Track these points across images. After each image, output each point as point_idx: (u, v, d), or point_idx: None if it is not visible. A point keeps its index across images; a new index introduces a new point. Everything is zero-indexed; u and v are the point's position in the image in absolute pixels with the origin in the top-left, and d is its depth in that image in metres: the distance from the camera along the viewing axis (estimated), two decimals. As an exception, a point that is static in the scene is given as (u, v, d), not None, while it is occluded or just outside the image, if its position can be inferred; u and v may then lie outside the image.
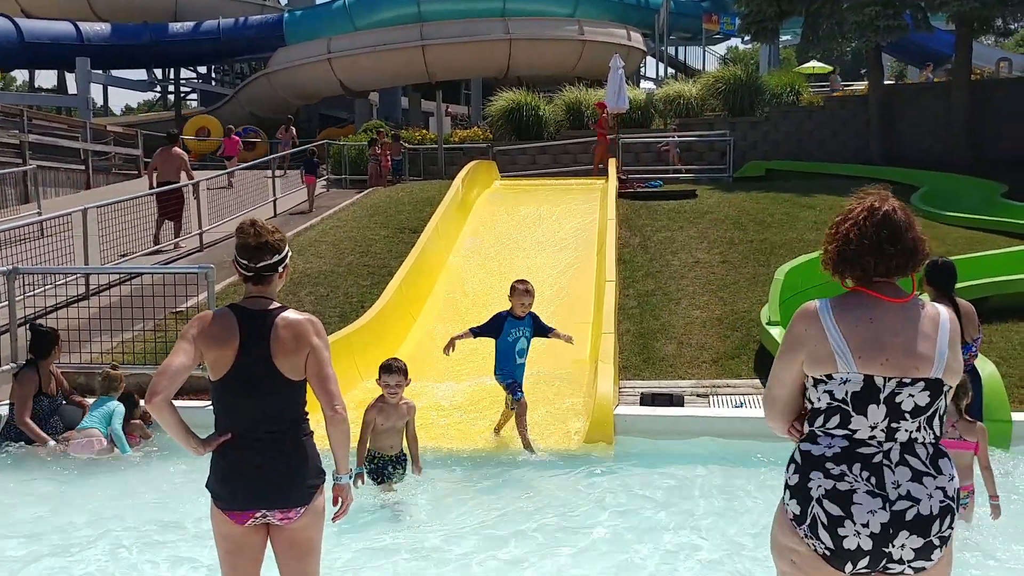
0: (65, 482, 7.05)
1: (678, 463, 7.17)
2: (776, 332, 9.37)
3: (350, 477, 3.83)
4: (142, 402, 6.94)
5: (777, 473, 6.45)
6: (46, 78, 56.60)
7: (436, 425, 8.39)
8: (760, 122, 25.16)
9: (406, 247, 13.94)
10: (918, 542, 2.79)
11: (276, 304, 3.74)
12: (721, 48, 64.98)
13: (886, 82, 28.10)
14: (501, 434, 8.06)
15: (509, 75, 32.40)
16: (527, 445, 7.55)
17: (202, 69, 45.17)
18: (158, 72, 43.35)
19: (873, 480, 2.81)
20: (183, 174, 15.71)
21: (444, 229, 14.90)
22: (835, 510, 2.81)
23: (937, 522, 2.80)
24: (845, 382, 2.85)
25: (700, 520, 6.04)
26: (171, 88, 43.81)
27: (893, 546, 2.78)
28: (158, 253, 14.66)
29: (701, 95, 25.87)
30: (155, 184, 15.62)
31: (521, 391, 7.68)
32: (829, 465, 2.86)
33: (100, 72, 36.73)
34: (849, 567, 2.82)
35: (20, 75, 31.79)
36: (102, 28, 36.10)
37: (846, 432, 2.87)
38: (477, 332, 7.88)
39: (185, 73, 43.90)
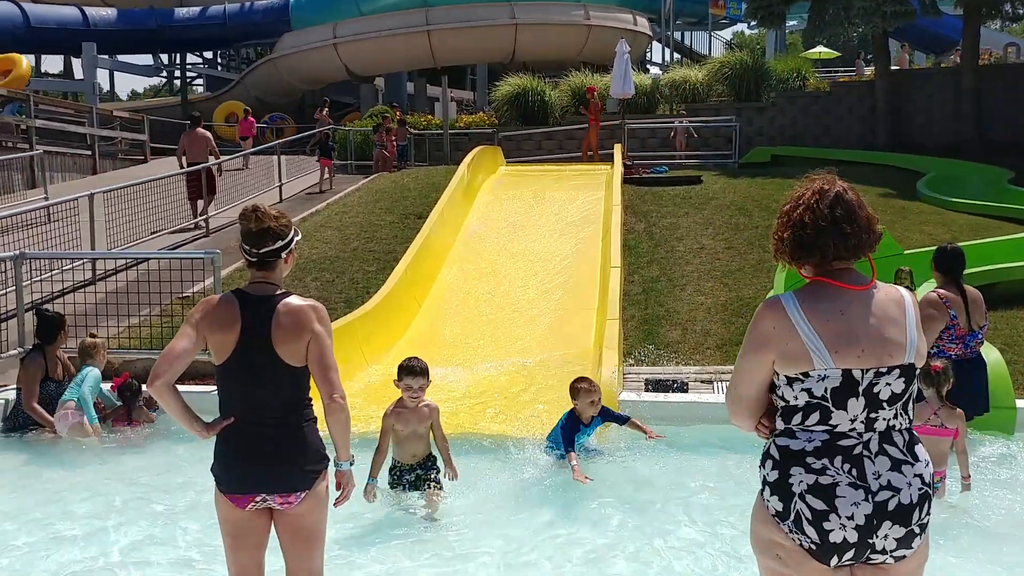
0: (72, 466, 7.10)
1: (681, 449, 7.19)
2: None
3: (351, 463, 3.82)
4: (144, 386, 7.03)
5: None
6: (52, 63, 56.45)
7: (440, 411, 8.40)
8: (766, 107, 25.10)
9: (412, 232, 13.95)
10: (900, 531, 2.79)
11: (280, 290, 3.74)
12: (727, 33, 64.78)
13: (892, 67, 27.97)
14: (505, 423, 8.09)
15: (515, 60, 32.32)
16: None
17: (208, 54, 45.16)
18: (164, 57, 43.35)
19: (854, 472, 2.79)
20: (210, 155, 16.52)
21: (450, 215, 14.91)
22: (819, 504, 2.78)
23: (917, 510, 2.80)
24: (823, 379, 2.80)
25: (702, 505, 6.06)
26: (177, 73, 43.77)
27: (877, 537, 2.77)
28: (184, 232, 15.04)
29: (707, 80, 25.80)
30: (185, 166, 16.24)
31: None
32: (810, 459, 2.82)
33: (106, 57, 36.72)
34: (835, 560, 2.81)
35: (26, 60, 31.80)
36: (108, 13, 36.07)
37: (827, 427, 2.83)
38: (570, 447, 6.57)
39: (191, 58, 43.87)
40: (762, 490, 2.95)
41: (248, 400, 3.66)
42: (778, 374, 2.90)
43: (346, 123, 27.69)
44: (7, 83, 26.19)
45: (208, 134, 17.17)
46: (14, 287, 9.56)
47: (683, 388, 8.63)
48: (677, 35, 45.45)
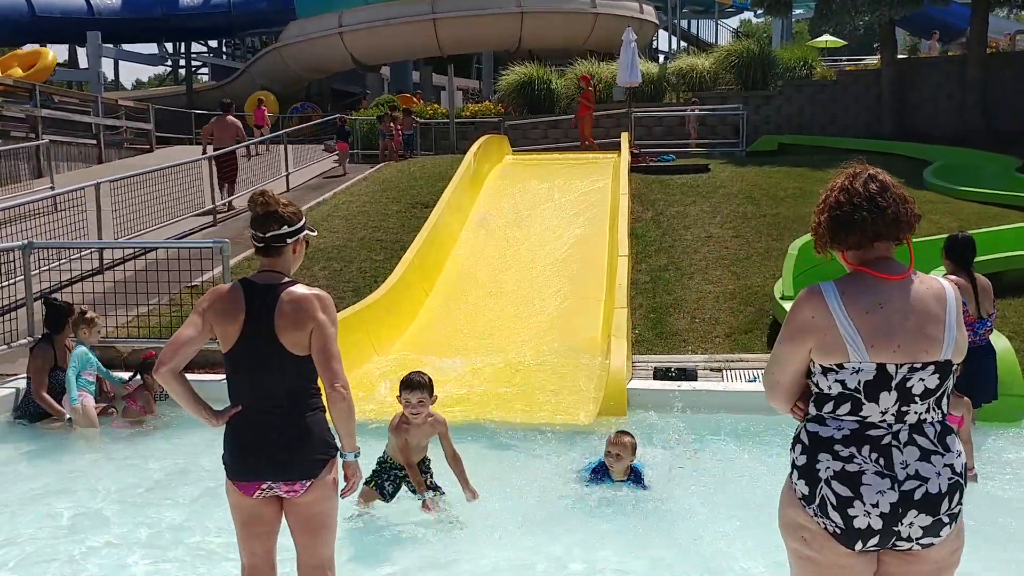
0: (80, 454, 7.13)
1: (691, 437, 7.19)
2: (789, 307, 9.34)
3: (357, 455, 3.79)
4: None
5: (787, 449, 6.50)
6: (57, 52, 56.33)
7: (446, 399, 8.41)
8: (773, 96, 25.01)
9: (419, 222, 13.95)
10: (927, 520, 2.80)
11: (286, 279, 3.74)
12: (734, 21, 64.50)
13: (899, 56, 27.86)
14: (514, 411, 8.10)
15: (521, 49, 32.21)
16: None
17: (213, 43, 45.10)
18: (169, 46, 43.31)
19: (881, 461, 2.81)
20: (238, 140, 17.04)
21: (456, 204, 14.90)
22: (844, 491, 2.81)
23: (946, 500, 2.80)
24: (857, 371, 2.82)
25: (711, 492, 6.07)
26: (182, 62, 43.75)
27: (902, 524, 2.79)
28: (208, 214, 15.41)
29: (714, 69, 25.71)
30: (212, 151, 16.63)
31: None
32: (838, 447, 2.85)
33: (111, 46, 36.70)
34: (859, 545, 2.83)
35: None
36: (113, 2, 36.07)
37: (857, 418, 2.85)
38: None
39: (196, 47, 43.83)
40: (791, 473, 2.99)
41: (254, 388, 3.67)
42: (814, 362, 2.92)
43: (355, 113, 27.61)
44: (31, 75, 26.34)
45: (238, 121, 17.48)
46: (22, 276, 9.58)
47: (692, 376, 8.63)
48: (684, 23, 45.34)
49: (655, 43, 43.36)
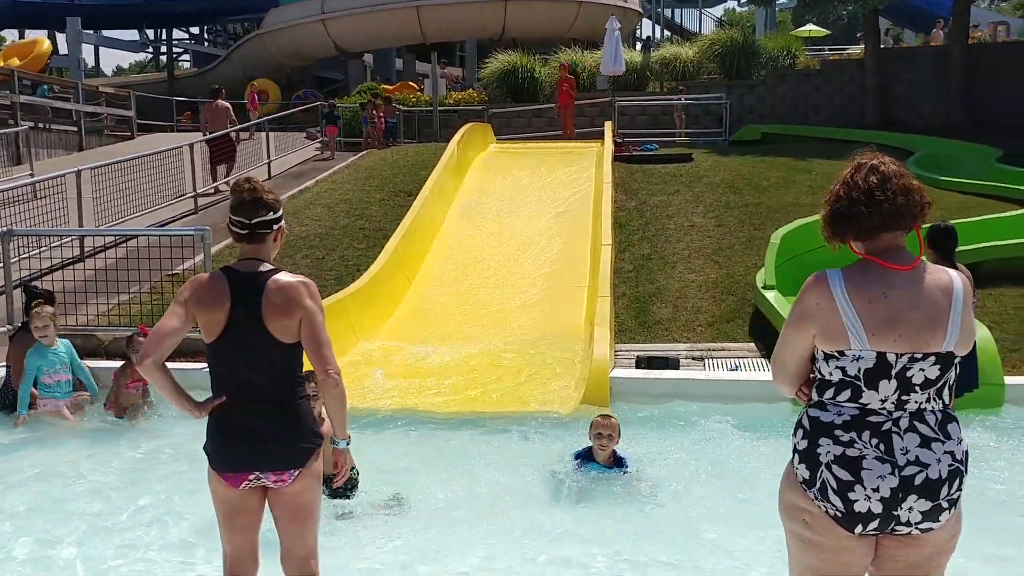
0: (58, 445, 7.07)
1: (674, 426, 7.23)
2: (772, 296, 9.40)
3: (348, 443, 3.78)
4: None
5: (772, 436, 6.55)
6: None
7: (429, 389, 8.42)
8: (756, 85, 25.07)
9: (401, 210, 13.90)
10: (926, 505, 2.82)
11: (269, 267, 3.71)
12: (718, 10, 64.48)
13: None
14: (498, 400, 8.10)
15: (504, 37, 32.13)
16: None
17: (195, 30, 44.75)
18: (150, 33, 42.94)
19: (882, 447, 2.83)
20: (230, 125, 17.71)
21: (439, 192, 14.86)
22: (844, 475, 2.84)
23: (946, 486, 2.83)
24: (858, 359, 2.85)
25: (694, 481, 6.10)
26: (163, 49, 43.39)
27: (902, 509, 2.82)
28: (215, 193, 15.77)
29: (697, 58, 25.73)
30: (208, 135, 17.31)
31: None
32: (838, 432, 2.88)
33: (91, 32, 36.35)
34: (859, 528, 2.86)
35: (10, 35, 31.43)
36: (93, -13, 35.72)
37: (857, 405, 2.88)
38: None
39: (177, 34, 43.48)
40: (792, 458, 3.02)
41: (239, 378, 3.64)
42: (817, 348, 2.96)
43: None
44: (26, 64, 26.17)
45: (228, 105, 18.04)
46: (1, 264, 9.49)
47: (675, 365, 8.66)
48: (667, 12, 45.32)
49: (639, 32, 43.35)
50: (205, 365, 3.76)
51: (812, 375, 3.05)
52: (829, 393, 2.93)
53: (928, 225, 7.03)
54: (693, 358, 9.13)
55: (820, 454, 2.89)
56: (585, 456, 6.17)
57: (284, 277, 3.69)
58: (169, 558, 5.05)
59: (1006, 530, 5.36)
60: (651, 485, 6.01)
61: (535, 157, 18.20)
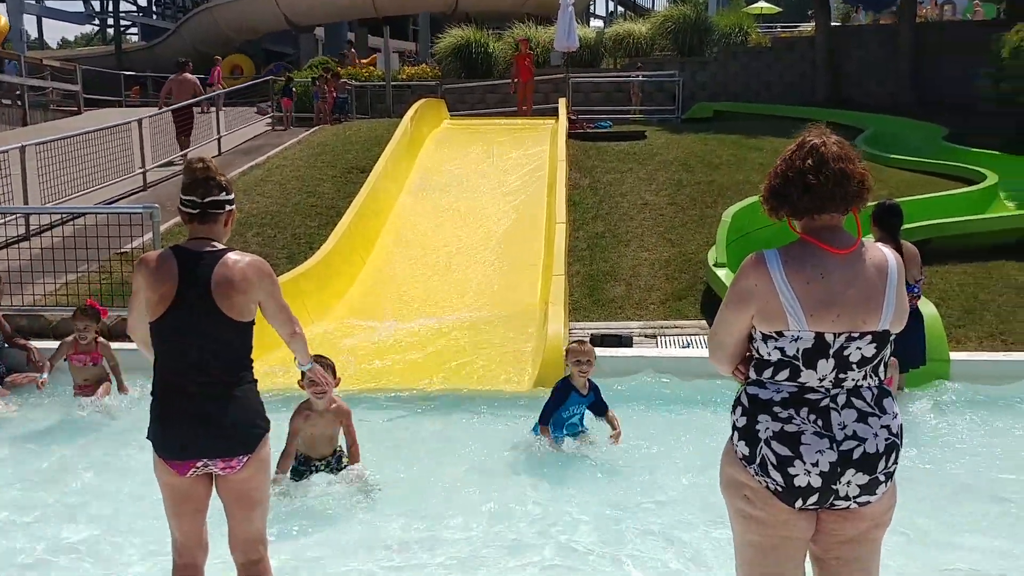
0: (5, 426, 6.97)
1: (626, 402, 7.28)
2: (723, 274, 9.50)
3: (311, 364, 4.24)
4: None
5: (723, 411, 6.63)
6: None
7: (384, 368, 8.41)
8: (709, 63, 25.16)
9: (354, 187, 13.80)
10: (864, 479, 2.88)
11: (220, 246, 3.68)
12: (671, -14, 64.55)
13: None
14: (453, 378, 8.11)
15: (457, 11, 31.91)
16: None
17: (143, 1, 43.83)
18: (96, 4, 41.99)
19: (820, 422, 2.88)
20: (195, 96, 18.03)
21: (393, 169, 14.76)
22: (784, 451, 2.88)
23: (883, 459, 2.89)
24: (796, 339, 2.88)
25: (647, 457, 6.18)
26: (110, 21, 42.44)
27: (840, 483, 2.87)
28: (170, 165, 15.78)
29: (651, 35, 25.74)
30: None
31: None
32: (777, 409, 2.92)
33: (33, 2, 35.44)
34: (799, 503, 2.91)
35: (4, 17, 30.55)
36: (35, -44, 34.81)
37: (795, 383, 2.93)
38: (545, 420, 6.29)
39: (125, 6, 42.57)
40: (732, 434, 3.05)
41: (187, 360, 3.57)
42: (755, 328, 2.98)
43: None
44: None
45: (194, 78, 18.48)
46: (-56, 243, 9.29)
47: (628, 343, 8.73)
48: (620, -12, 45.26)
49: (592, 7, 43.31)
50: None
51: (749, 353, 3.08)
52: (768, 372, 2.96)
53: (874, 203, 7.15)
54: (646, 336, 9.21)
55: (759, 430, 2.93)
56: (564, 387, 6.26)
57: (236, 255, 3.66)
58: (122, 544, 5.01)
59: (952, 503, 5.50)
60: (608, 458, 6.09)
61: (490, 134, 18.14)
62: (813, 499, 2.90)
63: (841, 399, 2.90)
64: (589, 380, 6.30)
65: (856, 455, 2.86)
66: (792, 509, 2.92)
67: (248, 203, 13.10)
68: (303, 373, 4.61)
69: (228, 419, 3.58)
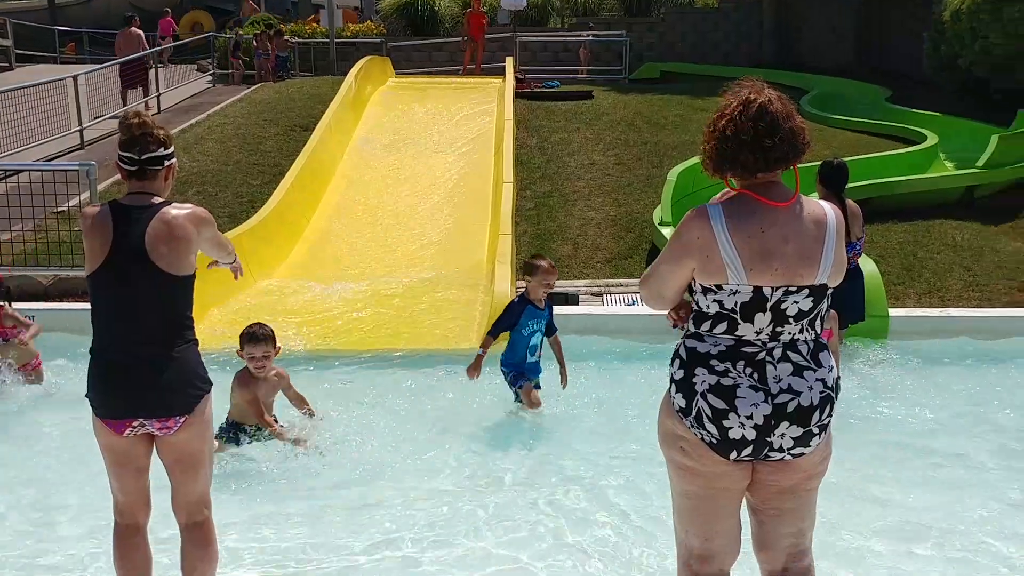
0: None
1: (572, 360, 7.29)
2: (668, 232, 9.54)
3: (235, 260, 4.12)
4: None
5: (664, 368, 6.69)
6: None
7: (331, 328, 8.33)
8: (656, 23, 25.12)
9: (297, 145, 13.58)
10: (798, 431, 2.91)
11: (159, 200, 3.58)
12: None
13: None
14: (401, 337, 8.06)
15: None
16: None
17: (75, -47, 42.42)
18: (26, -45, 40.53)
19: (755, 376, 2.90)
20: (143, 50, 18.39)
21: (337, 127, 14.54)
22: (719, 404, 2.90)
23: (817, 412, 2.92)
24: (735, 293, 2.88)
25: (590, 411, 6.23)
26: (42, -26, 41.02)
27: (774, 435, 2.90)
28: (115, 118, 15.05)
29: (598, -7, 25.65)
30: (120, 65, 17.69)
31: (528, 380, 6.24)
32: (714, 362, 2.93)
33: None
34: (734, 454, 2.94)
35: None
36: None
37: (733, 336, 2.93)
38: (495, 332, 6.22)
39: (57, -43, 41.13)
40: (669, 387, 3.07)
41: (123, 316, 3.48)
42: (695, 280, 2.98)
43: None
44: None
45: (141, 33, 18.92)
46: None
47: (574, 301, 8.75)
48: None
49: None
50: (86, 305, 3.62)
51: (690, 304, 3.08)
52: (706, 325, 2.97)
53: (819, 162, 7.21)
54: (592, 294, 9.24)
55: (696, 383, 2.94)
56: (520, 302, 6.15)
57: (174, 208, 3.57)
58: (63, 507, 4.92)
59: (888, 455, 5.62)
60: (546, 415, 6.13)
61: (436, 92, 17.96)
62: (747, 451, 2.93)
63: (777, 352, 2.92)
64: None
65: (790, 408, 2.89)
66: (727, 461, 2.95)
67: (188, 161, 12.84)
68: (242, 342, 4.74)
69: (164, 379, 3.49)
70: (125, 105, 16.84)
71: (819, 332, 3.00)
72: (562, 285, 9.47)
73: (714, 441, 2.93)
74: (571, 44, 24.01)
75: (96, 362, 3.54)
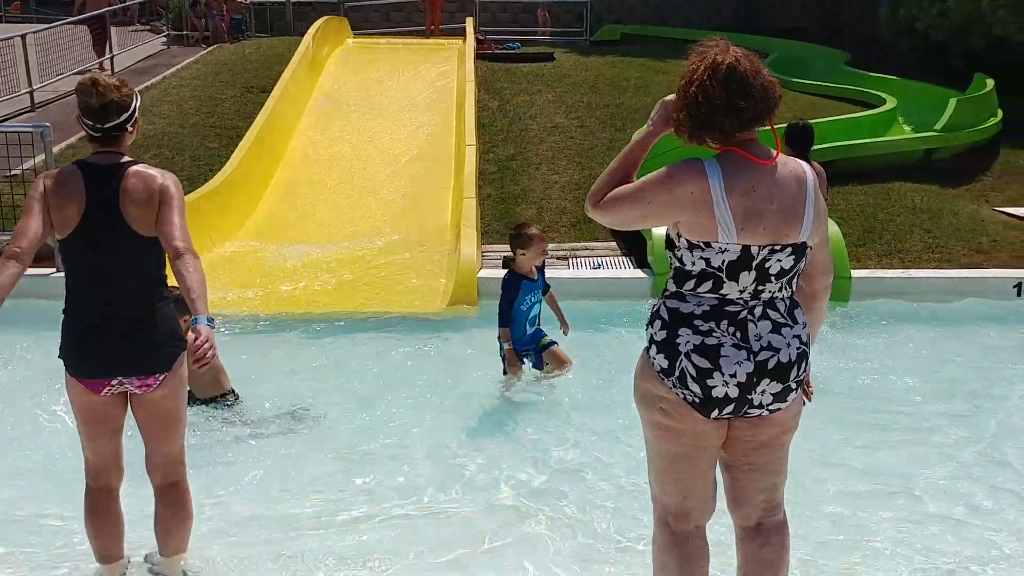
0: None
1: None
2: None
3: (210, 321, 3.35)
4: None
5: (634, 329, 6.72)
6: None
7: (290, 289, 8.25)
8: (617, -16, 24.98)
9: (255, 107, 13.34)
10: (777, 387, 2.94)
11: (128, 158, 3.52)
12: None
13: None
14: (361, 299, 8.00)
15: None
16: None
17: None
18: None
19: (738, 334, 2.91)
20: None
21: (295, 89, 14.31)
22: (704, 363, 2.90)
23: (795, 367, 2.96)
24: (723, 251, 2.86)
25: (557, 376, 6.23)
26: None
27: (755, 393, 2.93)
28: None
29: (559, -45, 25.39)
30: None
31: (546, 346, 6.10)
32: (698, 322, 2.93)
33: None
34: (715, 413, 2.95)
35: None
36: None
37: (717, 295, 2.93)
38: (505, 321, 5.91)
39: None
40: (648, 348, 3.05)
41: (98, 276, 3.45)
42: (680, 236, 2.94)
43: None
44: None
45: None
46: None
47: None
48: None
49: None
50: (48, 271, 3.53)
51: (671, 263, 3.04)
52: (690, 284, 2.95)
53: (786, 124, 7.22)
54: (558, 258, 9.21)
55: (679, 344, 2.93)
56: (514, 278, 5.93)
57: (144, 168, 3.52)
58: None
59: (850, 414, 5.70)
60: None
61: (395, 53, 17.74)
62: (729, 409, 2.95)
63: (758, 311, 2.93)
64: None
65: (771, 365, 2.91)
66: (707, 419, 2.97)
67: (144, 124, 12.52)
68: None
69: (144, 336, 3.48)
70: (100, 58, 16.81)
71: (794, 290, 3.02)
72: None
73: (697, 400, 2.94)
74: (530, 6, 23.80)
75: (70, 323, 3.49)
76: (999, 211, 10.68)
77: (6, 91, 14.04)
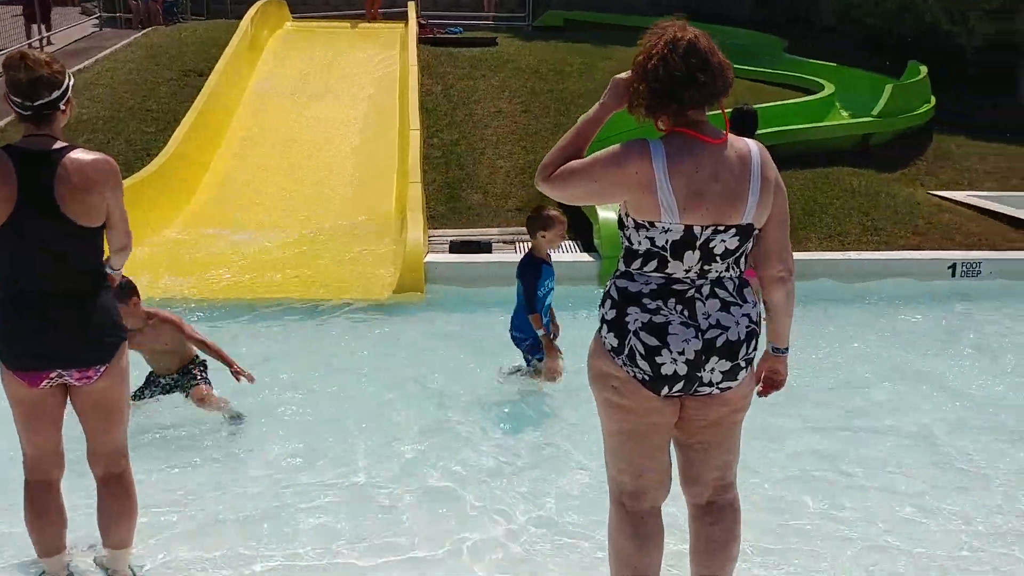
0: None
1: (487, 308, 7.30)
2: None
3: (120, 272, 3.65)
4: None
5: (584, 311, 6.74)
6: None
7: (232, 276, 8.11)
8: (558, -30, 24.90)
9: (193, 91, 13.06)
10: (726, 365, 2.97)
11: (63, 143, 3.36)
12: None
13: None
14: (306, 285, 7.90)
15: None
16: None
17: None
18: None
19: (686, 312, 2.94)
20: None
21: (234, 72, 14.03)
22: (652, 341, 2.93)
23: (744, 346, 2.99)
24: (666, 231, 2.89)
25: (507, 360, 6.22)
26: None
27: (704, 370, 2.95)
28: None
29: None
30: None
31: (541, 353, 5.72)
32: (645, 300, 2.95)
33: None
34: (665, 390, 2.98)
35: None
36: None
37: (662, 275, 2.95)
38: (538, 305, 5.62)
39: None
40: (600, 328, 3.08)
41: (35, 268, 3.30)
42: (628, 215, 2.98)
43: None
44: None
45: None
46: None
47: (487, 248, 8.71)
48: None
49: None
50: None
51: (622, 243, 3.07)
52: (636, 264, 2.98)
53: (729, 110, 7.28)
54: (504, 242, 9.21)
55: (628, 322, 2.96)
56: (533, 263, 5.67)
57: (81, 154, 3.35)
58: None
59: (790, 398, 5.77)
60: (463, 365, 6.11)
61: (335, 37, 17.51)
62: (679, 386, 2.97)
63: (705, 290, 2.96)
64: None
65: (719, 343, 2.94)
66: (658, 396, 2.99)
67: (77, 108, 12.11)
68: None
69: (83, 328, 3.36)
70: (29, 38, 16.47)
71: (743, 270, 3.05)
72: (474, 233, 9.44)
73: (646, 378, 2.96)
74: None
75: (6, 314, 3.35)
76: (933, 194, 10.93)
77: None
